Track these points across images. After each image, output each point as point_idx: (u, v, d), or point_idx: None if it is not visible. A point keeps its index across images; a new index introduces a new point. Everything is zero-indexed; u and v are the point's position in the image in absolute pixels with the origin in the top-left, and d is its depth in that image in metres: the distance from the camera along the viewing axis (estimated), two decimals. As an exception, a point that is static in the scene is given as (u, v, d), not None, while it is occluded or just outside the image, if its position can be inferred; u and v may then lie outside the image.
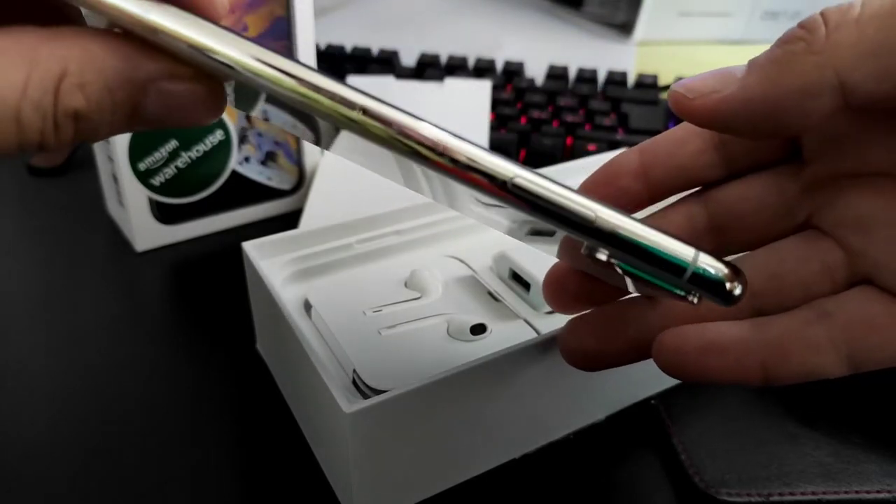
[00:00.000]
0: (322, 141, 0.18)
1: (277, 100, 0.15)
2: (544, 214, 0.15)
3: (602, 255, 0.16)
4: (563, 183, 0.15)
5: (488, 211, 0.17)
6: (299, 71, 0.14)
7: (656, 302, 0.20)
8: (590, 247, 0.16)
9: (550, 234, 0.18)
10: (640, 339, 0.20)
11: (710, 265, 0.16)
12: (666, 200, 0.21)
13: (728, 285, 0.16)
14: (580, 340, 0.21)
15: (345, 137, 0.15)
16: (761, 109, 0.16)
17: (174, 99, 0.15)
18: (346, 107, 0.14)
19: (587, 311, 0.21)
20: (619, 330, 0.20)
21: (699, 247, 0.16)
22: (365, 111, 0.14)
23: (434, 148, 0.15)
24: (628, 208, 0.18)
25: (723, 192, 0.20)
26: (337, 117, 0.14)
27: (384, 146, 0.15)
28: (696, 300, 0.16)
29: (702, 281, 0.16)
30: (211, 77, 0.15)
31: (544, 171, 0.33)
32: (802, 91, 0.16)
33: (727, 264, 0.16)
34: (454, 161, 0.15)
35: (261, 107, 0.17)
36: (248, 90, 0.15)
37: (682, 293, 0.16)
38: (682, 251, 0.16)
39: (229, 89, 0.16)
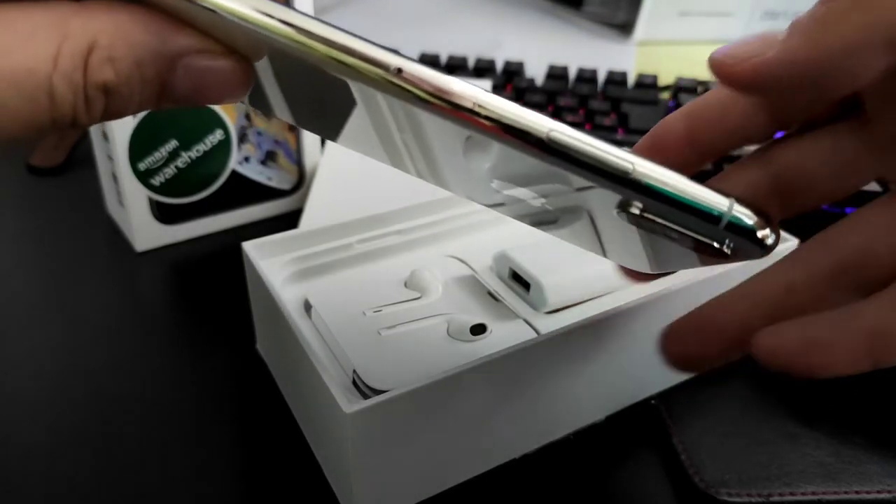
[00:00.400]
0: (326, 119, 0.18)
1: (303, 69, 0.14)
2: (582, 167, 0.15)
3: (636, 209, 0.16)
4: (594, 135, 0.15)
5: (482, 178, 0.17)
6: (331, 33, 0.14)
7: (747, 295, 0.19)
8: (623, 202, 0.16)
9: (553, 221, 0.17)
10: (740, 337, 0.19)
11: (745, 213, 0.16)
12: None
13: (760, 233, 0.16)
14: (684, 346, 0.20)
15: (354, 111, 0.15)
16: (805, 72, 0.16)
17: (203, 75, 0.15)
18: (381, 69, 0.14)
19: (685, 315, 0.21)
20: (719, 332, 0.20)
21: (734, 196, 0.16)
22: (400, 71, 0.14)
23: (470, 108, 0.14)
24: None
25: (781, 152, 0.19)
26: (373, 78, 0.14)
27: (421, 107, 0.14)
28: (729, 251, 0.16)
29: (737, 229, 0.16)
30: (239, 54, 0.15)
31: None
32: (848, 50, 0.15)
33: (760, 213, 0.16)
34: (491, 119, 0.15)
35: (278, 97, 0.17)
36: (273, 68, 0.15)
37: (717, 244, 0.16)
38: (718, 200, 0.16)
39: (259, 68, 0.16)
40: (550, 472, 0.25)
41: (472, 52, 0.55)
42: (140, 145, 0.34)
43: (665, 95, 0.52)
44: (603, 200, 0.16)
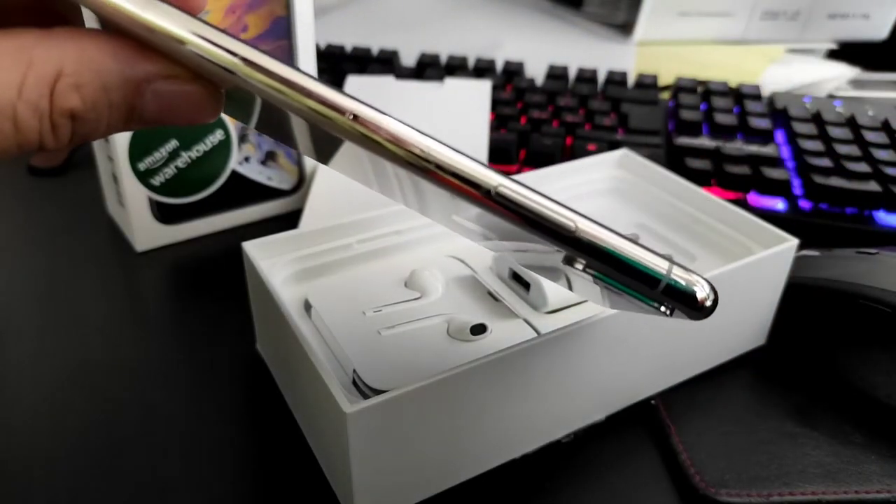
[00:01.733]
0: (301, 145, 0.18)
1: (269, 106, 0.15)
2: (527, 224, 0.16)
3: (579, 265, 0.17)
4: (542, 192, 0.16)
5: (463, 220, 0.18)
6: (293, 76, 0.14)
7: None
8: (568, 257, 0.16)
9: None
10: None
11: (683, 277, 0.16)
12: None
13: (699, 296, 0.16)
14: None
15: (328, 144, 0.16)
16: None
17: (170, 99, 0.15)
18: (337, 112, 0.14)
19: None
20: None
21: (672, 261, 0.16)
22: (356, 117, 0.15)
23: (421, 156, 0.15)
24: None
25: None
26: (327, 122, 0.14)
27: (374, 152, 0.15)
28: (668, 312, 0.17)
29: (675, 293, 0.16)
30: (207, 79, 0.15)
31: (534, 174, 0.34)
32: None
33: (699, 276, 0.17)
34: (440, 168, 0.15)
35: (255, 116, 0.17)
36: (242, 96, 0.15)
37: (656, 305, 0.17)
38: (658, 263, 0.16)
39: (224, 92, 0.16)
40: (550, 472, 0.25)
41: (472, 53, 0.55)
42: (140, 145, 0.34)
43: (665, 95, 0.52)
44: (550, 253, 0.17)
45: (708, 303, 0.16)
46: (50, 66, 0.14)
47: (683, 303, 0.16)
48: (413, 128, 0.15)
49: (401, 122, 0.15)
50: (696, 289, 0.16)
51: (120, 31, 0.14)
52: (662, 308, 0.17)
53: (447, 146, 0.15)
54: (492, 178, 0.15)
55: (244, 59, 0.14)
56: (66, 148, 0.15)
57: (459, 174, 0.15)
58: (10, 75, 0.13)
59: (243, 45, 0.14)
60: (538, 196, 0.16)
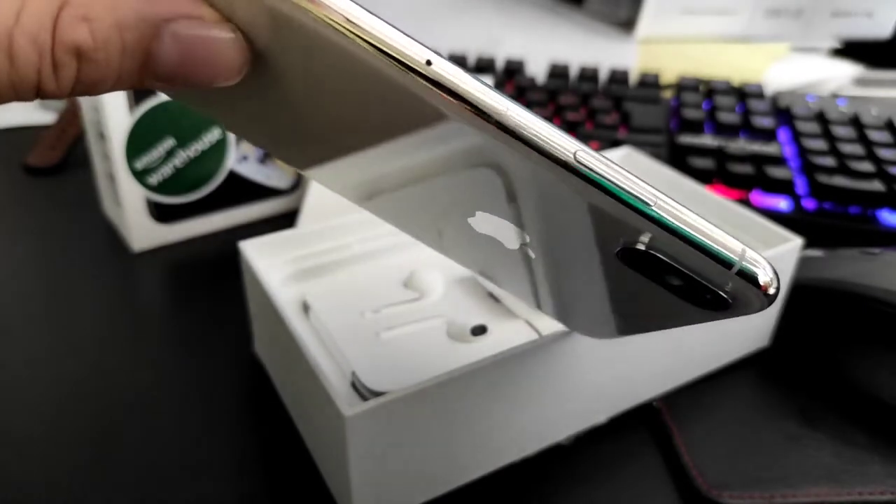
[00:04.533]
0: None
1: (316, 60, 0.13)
2: (606, 193, 0.14)
3: (641, 245, 0.15)
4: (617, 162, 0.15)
5: (479, 226, 0.17)
6: (357, 13, 0.13)
7: None
8: (630, 237, 0.15)
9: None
10: None
11: (756, 262, 0.15)
12: None
13: (764, 281, 0.15)
14: None
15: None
16: None
17: (192, 46, 0.13)
18: (408, 59, 0.13)
19: None
20: None
21: (747, 243, 0.15)
22: (430, 63, 0.13)
23: (498, 116, 0.14)
24: None
25: None
26: (395, 68, 0.13)
27: (447, 108, 0.13)
28: (730, 300, 0.16)
29: (747, 277, 0.15)
30: (233, 25, 0.13)
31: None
32: None
33: (768, 263, 0.15)
34: (520, 136, 0.14)
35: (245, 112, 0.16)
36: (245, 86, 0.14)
37: (720, 291, 0.16)
38: (734, 244, 0.15)
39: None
40: (552, 474, 0.25)
41: (472, 50, 0.55)
42: (137, 144, 0.34)
43: (667, 94, 0.52)
44: (605, 237, 0.16)
45: (771, 289, 0.15)
46: None
47: (753, 286, 0.15)
48: (488, 85, 0.14)
49: (477, 78, 0.14)
50: (758, 272, 0.15)
51: None
52: (724, 295, 0.15)
53: (520, 105, 0.14)
54: (570, 144, 0.14)
55: None
56: (68, 95, 0.13)
57: (538, 140, 0.14)
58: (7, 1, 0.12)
59: None
60: (617, 166, 0.15)
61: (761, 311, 0.15)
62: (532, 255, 0.18)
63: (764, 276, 0.15)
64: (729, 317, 0.16)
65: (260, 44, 0.14)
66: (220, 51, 0.13)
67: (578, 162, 0.14)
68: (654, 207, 0.15)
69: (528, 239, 0.18)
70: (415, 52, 0.13)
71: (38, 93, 0.12)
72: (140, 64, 0.13)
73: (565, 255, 0.18)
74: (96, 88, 0.13)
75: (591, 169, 0.14)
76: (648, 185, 0.15)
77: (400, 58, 0.13)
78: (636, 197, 0.15)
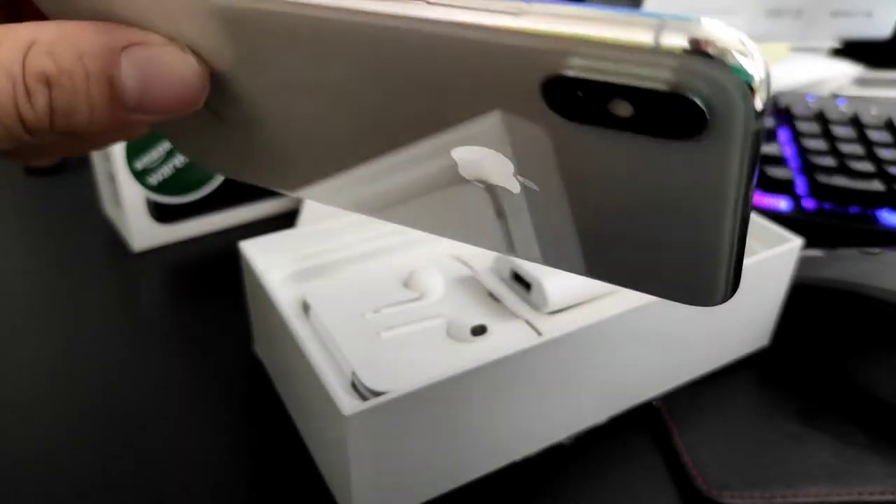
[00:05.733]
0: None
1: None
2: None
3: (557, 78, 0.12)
4: None
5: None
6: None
7: None
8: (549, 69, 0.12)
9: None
10: None
11: (684, 26, 0.11)
12: None
13: (730, 53, 0.10)
14: None
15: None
16: None
17: (147, 67, 0.14)
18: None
19: None
20: None
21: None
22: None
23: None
24: None
25: None
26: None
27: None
28: (705, 110, 0.11)
29: (686, 52, 0.11)
30: (182, 44, 0.15)
31: None
32: None
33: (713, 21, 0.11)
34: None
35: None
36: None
37: (671, 90, 0.11)
38: (642, 20, 0.11)
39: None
40: (552, 474, 0.25)
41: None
42: (137, 144, 0.34)
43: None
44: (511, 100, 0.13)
45: (731, 51, 0.10)
46: (24, 35, 0.14)
47: (699, 60, 0.10)
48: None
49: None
50: (689, 31, 0.10)
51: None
52: (683, 97, 0.11)
53: None
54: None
55: None
56: (51, 126, 0.14)
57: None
58: None
59: None
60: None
61: (752, 110, 0.11)
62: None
63: (698, 32, 0.10)
64: (725, 145, 0.11)
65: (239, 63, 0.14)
66: (175, 67, 0.14)
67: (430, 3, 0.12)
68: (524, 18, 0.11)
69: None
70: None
71: (20, 122, 0.14)
72: (107, 90, 0.14)
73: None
74: (74, 118, 0.14)
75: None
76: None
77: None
78: (501, 12, 0.12)
